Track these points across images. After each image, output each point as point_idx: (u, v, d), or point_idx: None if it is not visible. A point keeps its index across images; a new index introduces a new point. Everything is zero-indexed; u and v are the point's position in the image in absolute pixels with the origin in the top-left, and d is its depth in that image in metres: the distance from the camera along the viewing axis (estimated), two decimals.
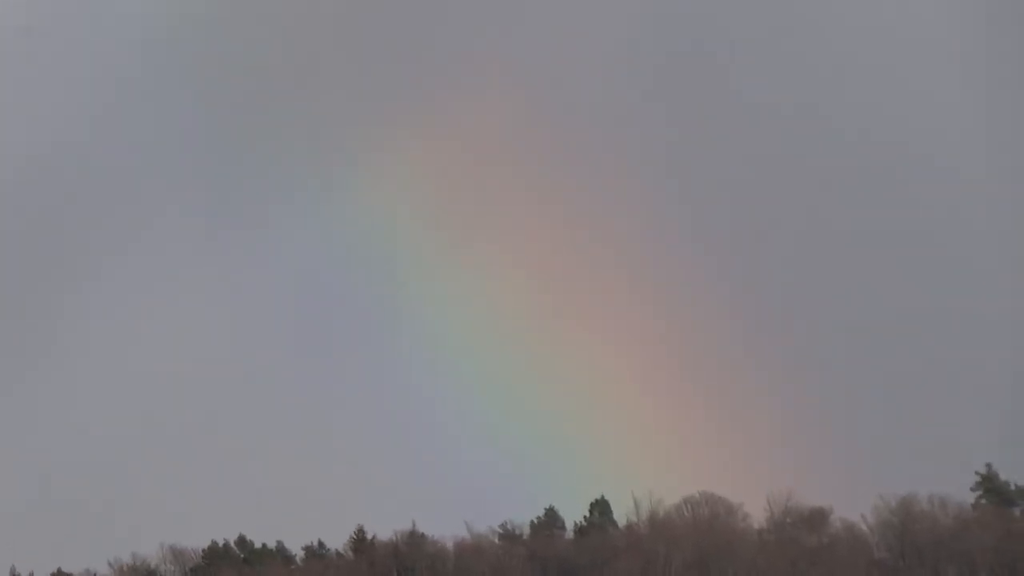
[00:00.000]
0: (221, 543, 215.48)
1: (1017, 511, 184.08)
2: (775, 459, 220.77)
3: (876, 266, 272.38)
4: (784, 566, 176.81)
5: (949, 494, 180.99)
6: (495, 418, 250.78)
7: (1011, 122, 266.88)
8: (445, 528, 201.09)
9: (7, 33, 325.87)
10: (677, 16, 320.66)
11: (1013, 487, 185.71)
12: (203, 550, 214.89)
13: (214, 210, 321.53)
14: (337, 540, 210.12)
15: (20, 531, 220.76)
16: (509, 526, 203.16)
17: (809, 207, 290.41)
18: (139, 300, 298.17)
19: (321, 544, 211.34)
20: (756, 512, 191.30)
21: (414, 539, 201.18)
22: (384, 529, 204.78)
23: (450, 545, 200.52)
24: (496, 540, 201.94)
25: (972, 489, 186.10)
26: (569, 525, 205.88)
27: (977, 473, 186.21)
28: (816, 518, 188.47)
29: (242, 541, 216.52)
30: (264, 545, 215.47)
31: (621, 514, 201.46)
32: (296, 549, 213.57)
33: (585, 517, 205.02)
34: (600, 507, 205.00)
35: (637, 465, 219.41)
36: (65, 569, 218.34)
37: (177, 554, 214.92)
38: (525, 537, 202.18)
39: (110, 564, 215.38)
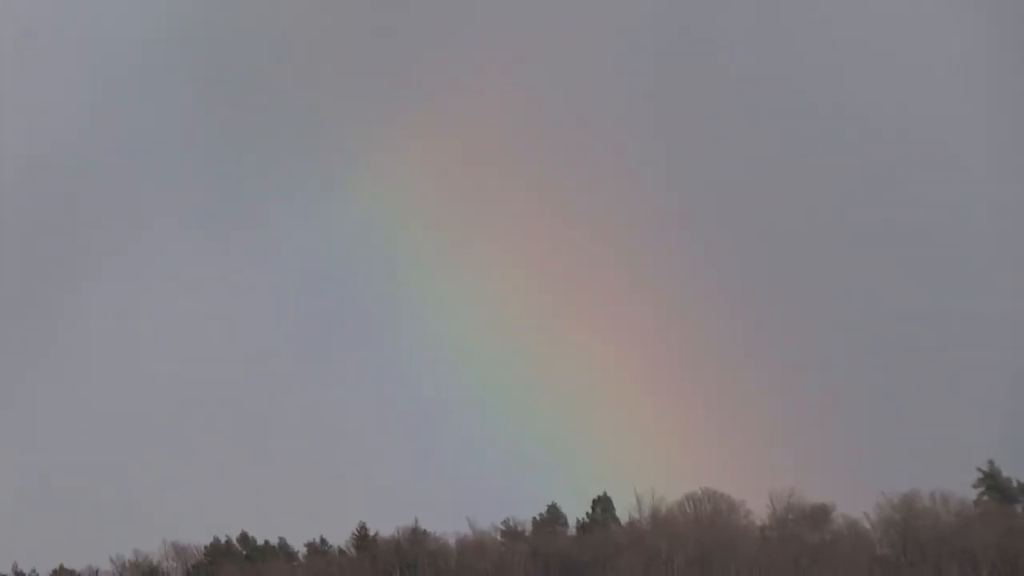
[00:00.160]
0: (223, 540, 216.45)
1: (1019, 508, 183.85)
2: (777, 456, 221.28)
3: (877, 265, 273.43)
4: (786, 563, 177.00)
5: (951, 491, 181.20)
6: (498, 416, 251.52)
7: (1011, 122, 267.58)
8: (447, 525, 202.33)
9: (7, 33, 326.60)
10: (677, 16, 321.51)
11: (1015, 484, 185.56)
12: (205, 547, 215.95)
13: (214, 210, 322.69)
14: (339, 537, 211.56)
15: (22, 528, 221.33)
16: (511, 523, 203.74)
17: (809, 207, 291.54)
18: (140, 300, 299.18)
19: (323, 541, 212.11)
20: (758, 509, 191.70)
21: (416, 536, 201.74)
22: (386, 526, 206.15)
23: (452, 542, 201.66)
24: (498, 537, 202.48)
25: (974, 486, 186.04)
26: (571, 522, 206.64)
27: (979, 470, 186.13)
28: (818, 515, 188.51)
29: (244, 538, 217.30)
30: (266, 542, 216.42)
31: (623, 511, 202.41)
32: (298, 546, 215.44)
33: (587, 514, 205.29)
34: (602, 504, 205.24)
35: (639, 462, 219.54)
36: (67, 566, 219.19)
37: (179, 551, 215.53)
38: (527, 534, 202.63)
39: (112, 561, 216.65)
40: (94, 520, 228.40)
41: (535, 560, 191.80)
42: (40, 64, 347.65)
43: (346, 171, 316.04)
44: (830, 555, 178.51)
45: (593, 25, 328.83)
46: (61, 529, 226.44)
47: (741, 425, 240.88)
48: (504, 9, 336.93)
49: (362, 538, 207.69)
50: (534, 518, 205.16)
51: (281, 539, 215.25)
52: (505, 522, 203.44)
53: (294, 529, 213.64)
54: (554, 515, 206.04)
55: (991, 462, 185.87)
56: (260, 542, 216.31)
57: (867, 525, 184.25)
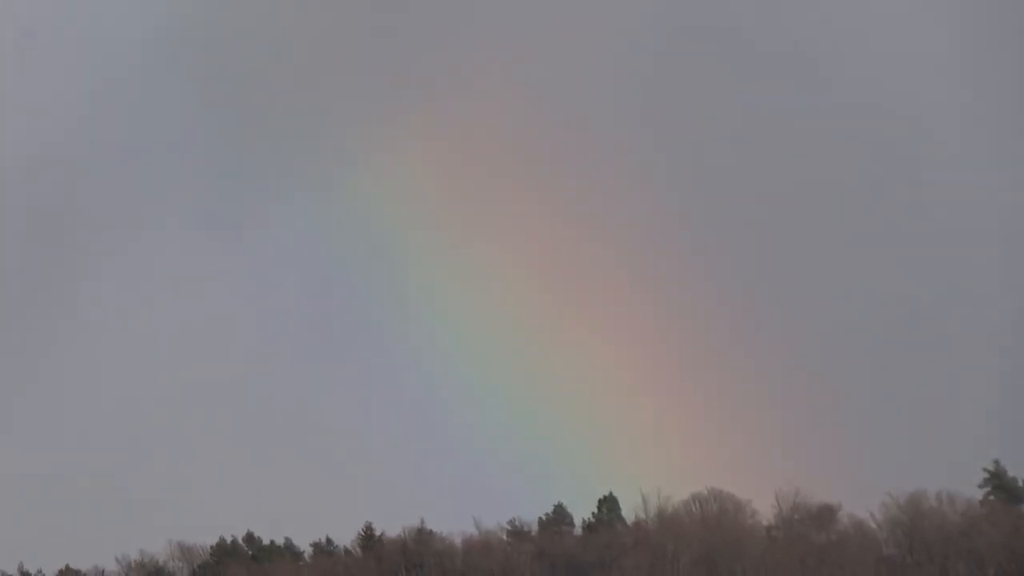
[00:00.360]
0: (229, 540, 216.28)
1: None
2: (783, 456, 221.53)
3: (880, 264, 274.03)
4: (792, 563, 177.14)
5: (957, 491, 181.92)
6: (503, 416, 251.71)
7: (1012, 122, 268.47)
8: (453, 525, 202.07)
9: (7, 33, 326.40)
10: (677, 17, 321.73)
11: (1021, 484, 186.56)
12: (211, 547, 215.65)
13: (214, 210, 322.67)
14: (345, 537, 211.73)
15: (28, 528, 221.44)
16: (517, 523, 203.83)
17: (810, 206, 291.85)
18: (143, 300, 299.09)
19: (329, 541, 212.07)
20: (764, 509, 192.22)
21: (422, 536, 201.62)
22: (392, 526, 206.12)
23: (458, 542, 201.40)
24: (504, 537, 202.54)
25: (980, 486, 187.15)
26: (577, 522, 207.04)
27: (985, 470, 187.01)
28: (824, 515, 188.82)
29: (250, 538, 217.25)
30: (272, 542, 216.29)
31: (629, 511, 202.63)
32: (304, 546, 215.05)
33: (593, 514, 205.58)
34: (608, 504, 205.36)
35: (645, 462, 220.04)
36: (73, 566, 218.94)
37: (185, 551, 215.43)
38: (533, 534, 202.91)
39: (118, 561, 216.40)
40: (100, 520, 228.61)
41: (541, 560, 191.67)
42: (40, 64, 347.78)
43: (346, 171, 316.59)
44: (836, 555, 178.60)
45: (593, 25, 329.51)
46: (67, 529, 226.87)
47: (747, 425, 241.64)
48: (504, 9, 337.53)
49: (368, 538, 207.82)
50: (540, 518, 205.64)
51: (287, 539, 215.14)
52: (511, 522, 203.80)
53: (300, 529, 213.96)
54: (560, 515, 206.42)
55: (997, 462, 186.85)
56: (266, 542, 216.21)
57: (873, 525, 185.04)
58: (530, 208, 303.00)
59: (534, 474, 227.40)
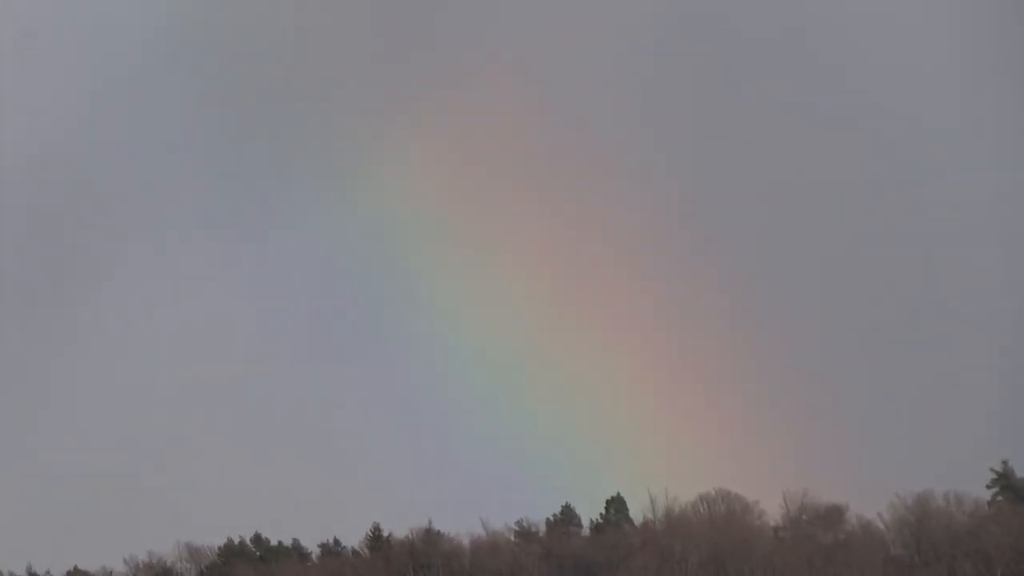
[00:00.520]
0: (237, 541, 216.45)
1: None
2: (791, 457, 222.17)
3: (883, 264, 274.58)
4: (800, 563, 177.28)
5: (965, 491, 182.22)
6: (511, 416, 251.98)
7: (1012, 122, 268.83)
8: (461, 526, 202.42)
9: (7, 33, 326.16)
10: (679, 16, 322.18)
11: None
12: (219, 548, 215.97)
13: (215, 210, 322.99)
14: (353, 538, 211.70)
15: (37, 529, 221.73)
16: (525, 523, 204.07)
17: (811, 206, 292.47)
18: (146, 300, 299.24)
19: (337, 542, 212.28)
20: (772, 509, 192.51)
21: (430, 536, 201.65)
22: (400, 527, 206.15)
23: (466, 542, 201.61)
24: (512, 537, 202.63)
25: (988, 486, 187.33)
26: (585, 522, 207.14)
27: (993, 470, 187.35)
28: (832, 515, 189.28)
29: (258, 539, 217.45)
30: (280, 543, 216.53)
31: (637, 511, 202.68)
32: (312, 547, 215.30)
33: (601, 515, 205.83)
34: (616, 504, 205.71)
35: (652, 463, 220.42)
36: (81, 567, 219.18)
37: (193, 552, 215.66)
38: (541, 534, 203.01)
39: (126, 561, 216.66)
40: (108, 521, 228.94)
41: (549, 561, 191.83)
42: (40, 64, 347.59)
43: (347, 171, 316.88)
44: (844, 555, 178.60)
45: (593, 25, 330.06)
46: (75, 530, 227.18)
47: (755, 426, 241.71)
48: (504, 9, 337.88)
49: (376, 539, 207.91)
50: (548, 519, 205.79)
51: (295, 540, 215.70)
52: (519, 523, 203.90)
53: (307, 530, 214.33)
54: (568, 516, 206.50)
55: (1005, 462, 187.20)
56: (273, 543, 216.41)
57: (881, 525, 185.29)
58: (530, 208, 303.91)
59: (541, 475, 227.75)
